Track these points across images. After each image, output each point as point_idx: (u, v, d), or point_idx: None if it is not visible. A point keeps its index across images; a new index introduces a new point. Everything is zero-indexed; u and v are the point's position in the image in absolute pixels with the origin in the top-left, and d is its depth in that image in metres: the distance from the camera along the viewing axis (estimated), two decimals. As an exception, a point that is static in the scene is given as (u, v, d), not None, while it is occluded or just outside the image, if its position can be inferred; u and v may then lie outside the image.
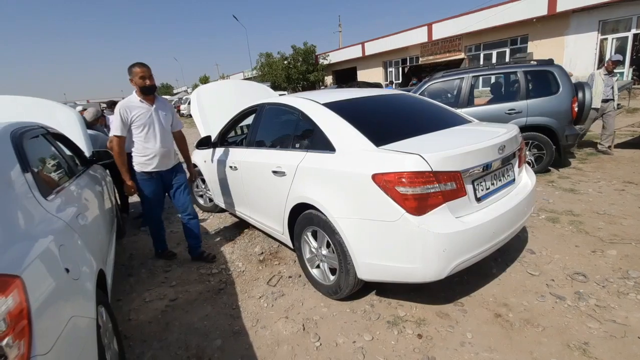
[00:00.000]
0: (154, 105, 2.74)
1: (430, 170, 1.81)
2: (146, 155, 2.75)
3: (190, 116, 8.78)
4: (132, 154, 2.77)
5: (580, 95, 4.60)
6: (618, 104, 9.31)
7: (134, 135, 2.71)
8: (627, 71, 12.48)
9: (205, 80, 44.38)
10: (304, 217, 2.41)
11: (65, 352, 1.09)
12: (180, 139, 3.09)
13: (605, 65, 5.54)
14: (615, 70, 5.61)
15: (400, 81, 17.63)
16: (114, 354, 1.69)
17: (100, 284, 1.68)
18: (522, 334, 1.93)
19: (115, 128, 2.64)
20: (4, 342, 0.90)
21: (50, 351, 1.01)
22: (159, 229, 3.17)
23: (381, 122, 2.51)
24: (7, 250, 1.07)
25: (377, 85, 14.60)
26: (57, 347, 1.04)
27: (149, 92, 2.69)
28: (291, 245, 2.72)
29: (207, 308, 2.44)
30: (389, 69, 22.34)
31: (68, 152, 2.78)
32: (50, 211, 1.53)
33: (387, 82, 20.30)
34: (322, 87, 23.45)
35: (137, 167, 2.79)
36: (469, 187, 1.99)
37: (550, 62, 4.79)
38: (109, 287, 1.99)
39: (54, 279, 1.19)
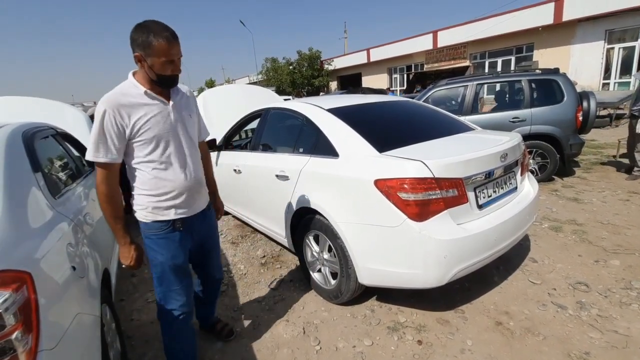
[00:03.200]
0: (172, 101, 1.55)
1: (432, 176, 1.82)
2: (165, 194, 1.53)
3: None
4: (135, 193, 1.55)
5: (585, 104, 4.59)
6: (623, 114, 9.23)
7: (138, 159, 1.50)
8: (633, 80, 12.42)
9: (211, 83, 44.77)
10: (306, 221, 2.43)
11: (71, 348, 1.12)
12: (204, 155, 1.85)
13: None
14: (620, 80, 5.41)
15: (405, 88, 17.68)
16: (116, 352, 1.71)
17: (104, 282, 1.71)
18: (523, 343, 1.93)
19: (94, 148, 1.39)
20: (14, 335, 0.93)
21: (56, 346, 1.03)
22: (189, 342, 1.79)
23: (384, 129, 2.54)
24: (18, 247, 1.10)
25: (381, 92, 14.66)
26: (63, 342, 1.07)
27: (172, 84, 1.54)
28: (293, 249, 2.74)
29: (209, 310, 2.45)
30: (394, 75, 22.41)
31: (76, 153, 2.83)
32: (59, 210, 1.56)
33: (387, 88, 19.74)
34: (322, 93, 23.32)
35: (148, 216, 1.55)
36: (470, 194, 2.00)
37: (555, 71, 4.80)
38: (113, 286, 2.02)
39: (61, 276, 1.22)
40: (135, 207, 1.56)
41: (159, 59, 1.40)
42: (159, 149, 1.50)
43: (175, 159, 1.55)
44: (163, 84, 1.50)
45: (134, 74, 1.50)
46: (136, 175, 1.53)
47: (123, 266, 1.56)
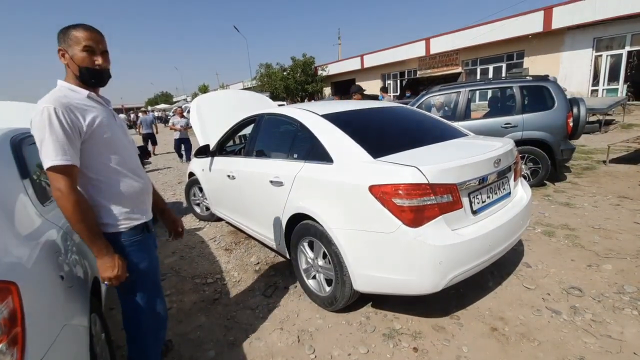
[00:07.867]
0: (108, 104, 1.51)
1: (426, 182, 1.83)
2: (134, 199, 1.49)
3: (190, 125, 8.82)
4: (102, 205, 1.41)
5: (575, 110, 4.67)
6: (612, 120, 9.49)
7: (102, 166, 1.40)
8: (621, 87, 12.70)
9: (204, 89, 44.64)
10: (300, 228, 2.41)
11: (58, 360, 1.08)
12: None
13: None
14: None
15: (398, 94, 17.90)
16: (105, 363, 1.67)
17: (94, 291, 1.67)
18: (518, 348, 1.92)
19: (57, 150, 1.24)
20: (-2, 349, 0.90)
21: (42, 359, 1.00)
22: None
23: (379, 134, 2.54)
24: (4, 256, 1.07)
25: (375, 98, 14.75)
26: (50, 355, 1.03)
27: (100, 80, 1.42)
28: (287, 256, 2.71)
29: (202, 318, 2.41)
30: (388, 82, 22.61)
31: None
32: (47, 218, 1.53)
33: (381, 88, 19.48)
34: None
35: (124, 224, 1.45)
36: (465, 200, 2.00)
37: (545, 77, 4.88)
38: (102, 295, 1.98)
39: (48, 286, 1.19)
40: (104, 220, 1.41)
41: (79, 46, 1.32)
42: (119, 152, 1.44)
43: (132, 162, 1.51)
44: (89, 79, 1.38)
45: (66, 77, 1.40)
46: (101, 187, 1.40)
47: (106, 283, 1.37)
